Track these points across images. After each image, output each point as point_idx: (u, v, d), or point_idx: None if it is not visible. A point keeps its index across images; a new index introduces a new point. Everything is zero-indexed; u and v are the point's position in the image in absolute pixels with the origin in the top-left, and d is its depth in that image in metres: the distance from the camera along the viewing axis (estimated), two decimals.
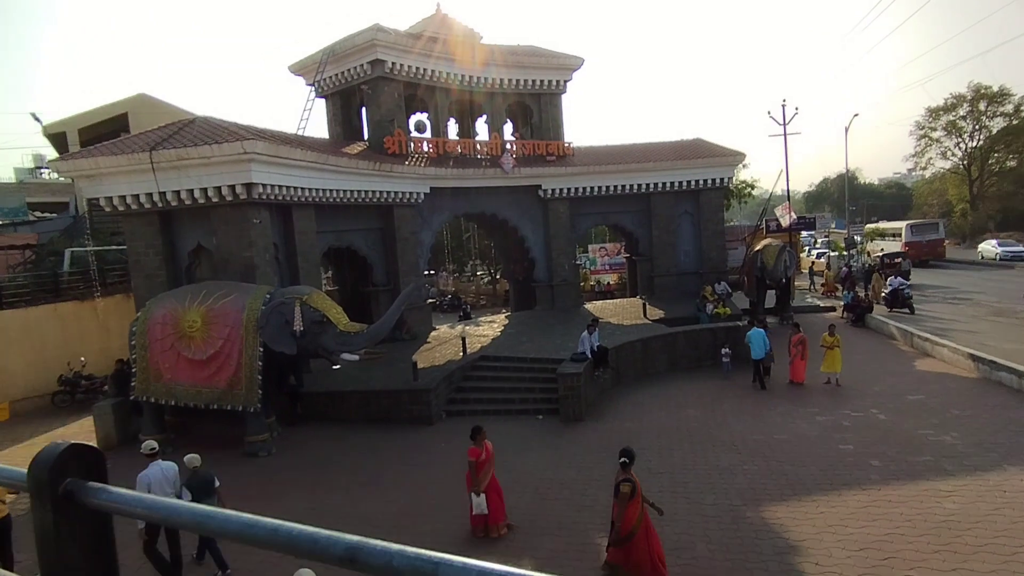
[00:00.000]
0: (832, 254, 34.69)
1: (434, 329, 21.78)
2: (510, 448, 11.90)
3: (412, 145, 20.85)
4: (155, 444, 8.04)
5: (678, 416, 13.07)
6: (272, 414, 13.28)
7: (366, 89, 20.62)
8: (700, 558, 7.45)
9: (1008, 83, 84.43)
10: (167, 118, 16.82)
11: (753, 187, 40.21)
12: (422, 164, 20.46)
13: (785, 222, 28.48)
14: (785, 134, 28.10)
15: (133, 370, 12.87)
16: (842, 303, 23.51)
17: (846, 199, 36.22)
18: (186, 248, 15.27)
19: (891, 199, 70.35)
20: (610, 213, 25.36)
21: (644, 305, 21.32)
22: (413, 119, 22.86)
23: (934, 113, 48.74)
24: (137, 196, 14.13)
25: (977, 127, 47.75)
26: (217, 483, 7.95)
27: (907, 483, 8.95)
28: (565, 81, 24.08)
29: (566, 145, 24.09)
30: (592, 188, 23.88)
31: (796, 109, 27.96)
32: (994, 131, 47.26)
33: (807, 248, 44.13)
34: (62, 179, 26.45)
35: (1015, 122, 46.01)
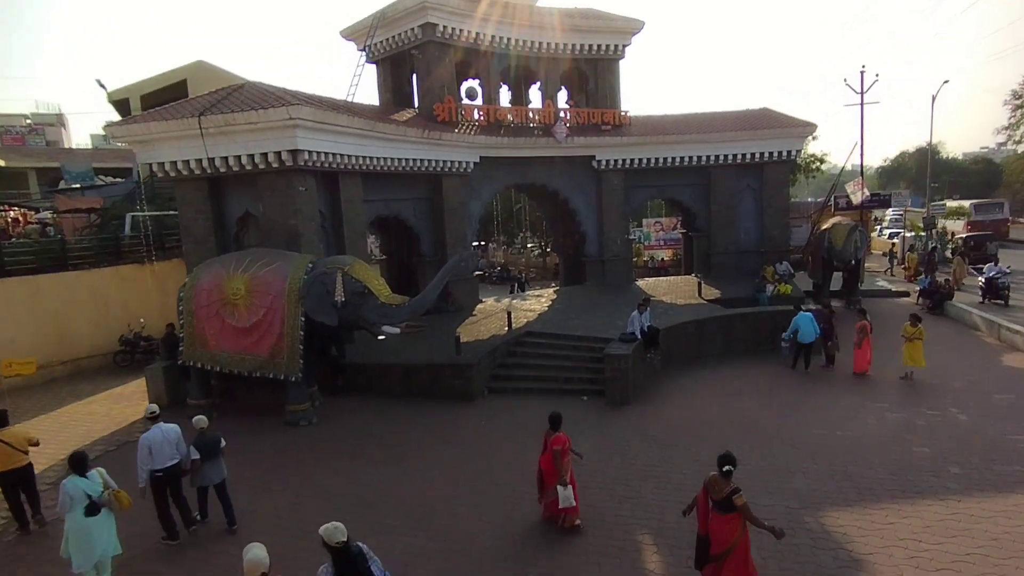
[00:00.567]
0: (908, 234, 32.28)
1: (481, 302, 21.46)
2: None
3: (463, 112, 20.28)
4: (156, 408, 8.30)
5: (731, 406, 12.29)
6: (314, 384, 13.29)
7: (416, 54, 20.09)
8: None
9: None
10: (224, 84, 16.78)
11: (823, 161, 37.76)
12: (472, 132, 19.89)
13: (857, 199, 26.49)
14: (863, 103, 26.00)
15: (181, 335, 13.07)
16: (917, 288, 21.79)
17: (928, 175, 33.37)
18: (234, 215, 15.33)
19: (977, 176, 64.87)
20: (666, 186, 24.19)
21: (699, 284, 20.31)
22: (464, 86, 22.25)
23: None
24: (188, 162, 14.17)
25: None
26: (223, 444, 8.16)
27: (992, 496, 8.01)
28: (623, 46, 22.82)
29: (622, 114, 22.98)
30: (648, 160, 22.76)
31: (876, 76, 25.79)
32: None
33: (879, 228, 41.33)
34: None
35: None
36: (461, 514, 8.36)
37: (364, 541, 4.99)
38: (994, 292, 19.01)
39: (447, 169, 19.25)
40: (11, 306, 16.38)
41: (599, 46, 22.39)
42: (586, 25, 21.85)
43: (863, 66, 27.24)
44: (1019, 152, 53.99)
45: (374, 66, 21.92)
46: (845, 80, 26.74)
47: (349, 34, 21.30)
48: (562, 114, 22.20)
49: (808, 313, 14.60)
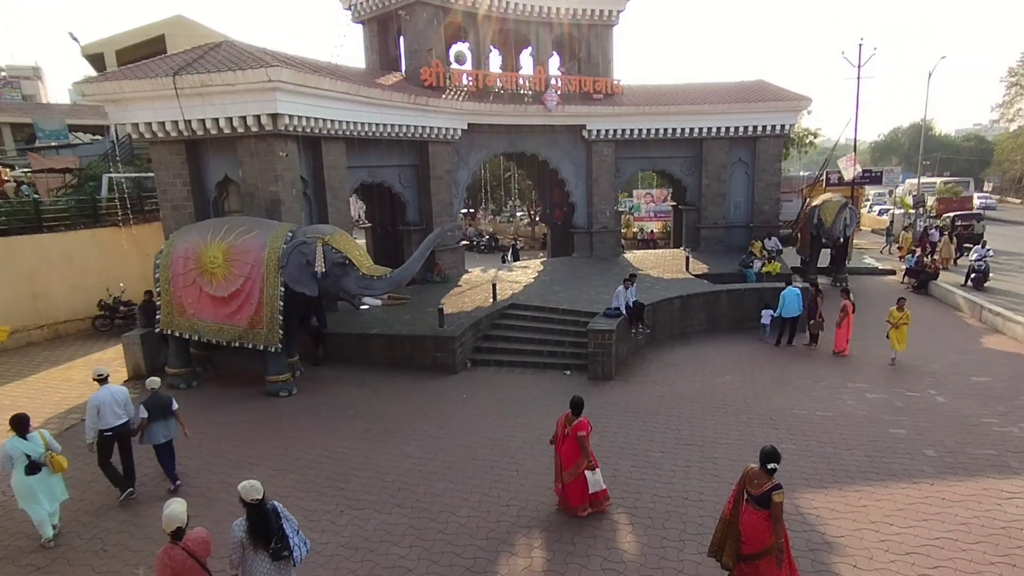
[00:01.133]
0: (897, 211, 32.26)
1: (467, 272, 21.27)
2: (532, 404, 11.49)
3: (451, 77, 19.72)
4: (104, 371, 8.62)
5: (714, 382, 12.31)
6: (296, 354, 13.14)
7: (403, 15, 19.40)
8: None
9: None
10: (203, 41, 16.08)
11: (816, 135, 37.45)
12: (460, 98, 19.38)
13: (848, 175, 26.29)
14: (859, 76, 25.59)
15: (158, 303, 12.80)
16: (903, 267, 21.84)
17: (920, 152, 33.20)
18: (213, 180, 14.90)
19: (968, 153, 64.79)
20: (658, 158, 23.86)
21: (687, 258, 20.23)
22: (453, 49, 21.62)
23: None
24: (163, 123, 13.69)
25: None
26: (175, 406, 8.48)
27: (965, 479, 8.09)
28: (617, 11, 22.21)
29: (615, 83, 22.50)
30: (640, 130, 22.39)
31: (875, 49, 25.32)
32: None
33: (868, 204, 41.26)
34: None
35: None
36: (439, 490, 8.34)
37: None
38: (972, 278, 18.94)
39: (434, 136, 18.80)
40: None
41: (592, 10, 21.77)
42: None
43: (861, 39, 26.72)
44: (1011, 130, 53.88)
45: (360, 26, 21.19)
46: (843, 52, 26.31)
47: None
48: (553, 81, 21.67)
49: (796, 288, 14.65)
